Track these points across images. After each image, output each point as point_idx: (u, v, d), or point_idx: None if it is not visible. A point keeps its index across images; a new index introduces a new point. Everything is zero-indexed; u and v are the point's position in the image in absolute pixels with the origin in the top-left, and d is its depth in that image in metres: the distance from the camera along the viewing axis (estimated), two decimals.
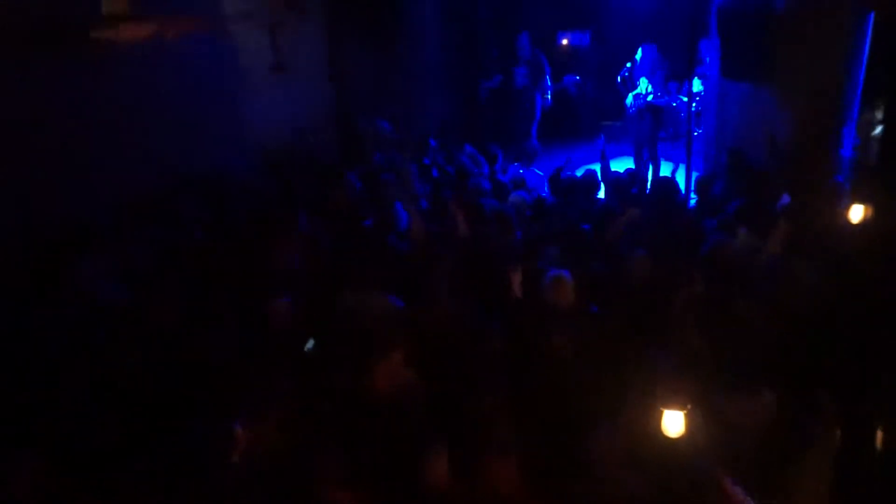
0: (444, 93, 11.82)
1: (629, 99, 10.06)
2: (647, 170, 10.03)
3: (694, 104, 9.52)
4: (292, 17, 9.11)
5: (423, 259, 5.14)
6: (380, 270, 4.88)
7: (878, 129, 8.26)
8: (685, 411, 3.58)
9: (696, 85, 11.24)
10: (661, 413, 3.60)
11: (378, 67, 10.28)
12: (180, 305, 4.56)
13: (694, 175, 8.21)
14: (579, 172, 8.32)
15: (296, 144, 8.83)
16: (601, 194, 7.79)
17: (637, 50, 10.04)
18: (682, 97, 11.41)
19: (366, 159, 8.72)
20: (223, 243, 5.70)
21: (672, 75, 10.36)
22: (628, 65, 9.99)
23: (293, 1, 9.04)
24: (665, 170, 9.74)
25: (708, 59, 9.88)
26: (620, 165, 9.69)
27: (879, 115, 8.22)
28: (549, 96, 11.39)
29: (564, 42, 13.54)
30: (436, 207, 6.90)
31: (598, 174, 7.79)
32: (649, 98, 9.92)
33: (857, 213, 5.62)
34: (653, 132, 10.06)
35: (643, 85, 9.94)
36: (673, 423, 3.58)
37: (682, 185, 7.78)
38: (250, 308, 4.59)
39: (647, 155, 10.04)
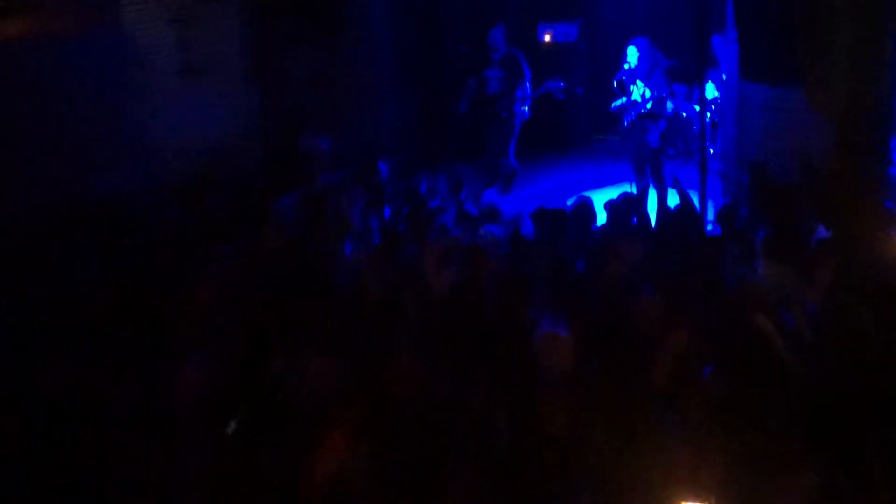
0: (400, 100, 11.83)
1: (616, 104, 10.08)
2: (650, 194, 10.02)
3: (708, 113, 9.55)
4: (207, 7, 9.08)
5: (379, 310, 5.14)
6: (322, 324, 4.86)
7: None
8: None
9: (710, 90, 11.40)
10: None
11: (316, 69, 10.25)
12: (61, 372, 4.39)
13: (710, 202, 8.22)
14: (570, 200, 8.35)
15: (212, 165, 8.77)
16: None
17: (628, 47, 10.06)
18: (692, 105, 11.54)
19: (301, 184, 8.66)
20: (118, 290, 5.59)
21: (679, 78, 10.43)
22: (626, 65, 10.00)
23: None
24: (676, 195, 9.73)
25: (723, 59, 10.00)
26: (616, 191, 9.64)
27: None
28: (529, 106, 11.41)
29: (547, 38, 13.62)
30: (390, 244, 6.92)
31: (592, 201, 7.85)
32: (648, 105, 9.95)
33: None
34: (656, 148, 10.08)
35: (639, 89, 9.97)
36: None
37: (698, 211, 7.85)
38: (151, 374, 4.50)
39: (650, 176, 10.04)
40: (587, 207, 7.69)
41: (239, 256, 6.16)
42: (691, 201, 7.95)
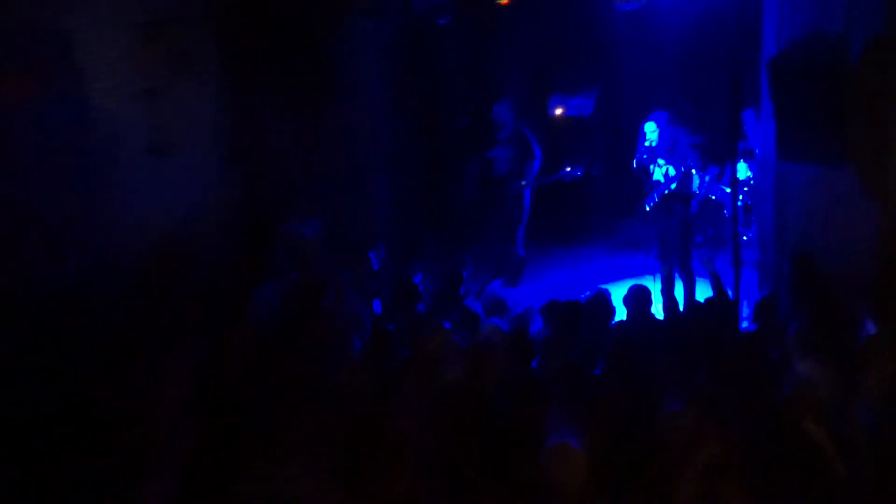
0: (394, 180, 11.89)
1: (646, 174, 10.11)
2: (675, 287, 10.10)
3: (741, 196, 9.56)
4: (179, 77, 9.14)
5: (365, 424, 5.07)
6: (306, 434, 4.85)
7: None
8: None
9: (742, 170, 11.44)
10: None
11: (300, 146, 10.35)
12: None
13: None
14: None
15: (180, 251, 8.66)
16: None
17: (646, 123, 10.15)
18: (723, 186, 11.56)
19: (284, 274, 8.74)
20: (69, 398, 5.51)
21: (708, 156, 10.45)
22: (647, 142, 10.07)
23: (177, 56, 9.08)
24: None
25: (755, 135, 10.04)
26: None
27: None
28: (538, 189, 11.45)
29: (559, 111, 13.77)
30: (380, 343, 6.98)
31: (610, 294, 7.89)
32: (672, 186, 9.98)
33: None
34: (683, 234, 10.07)
35: (661, 169, 10.02)
36: None
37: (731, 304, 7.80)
38: None
39: (676, 265, 10.01)
40: (604, 301, 7.75)
41: (204, 358, 6.04)
42: (725, 293, 7.92)
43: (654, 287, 9.30)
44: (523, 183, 11.35)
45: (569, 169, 12.07)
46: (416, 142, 12.31)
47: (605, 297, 7.78)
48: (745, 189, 11.11)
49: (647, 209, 10.25)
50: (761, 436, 5.02)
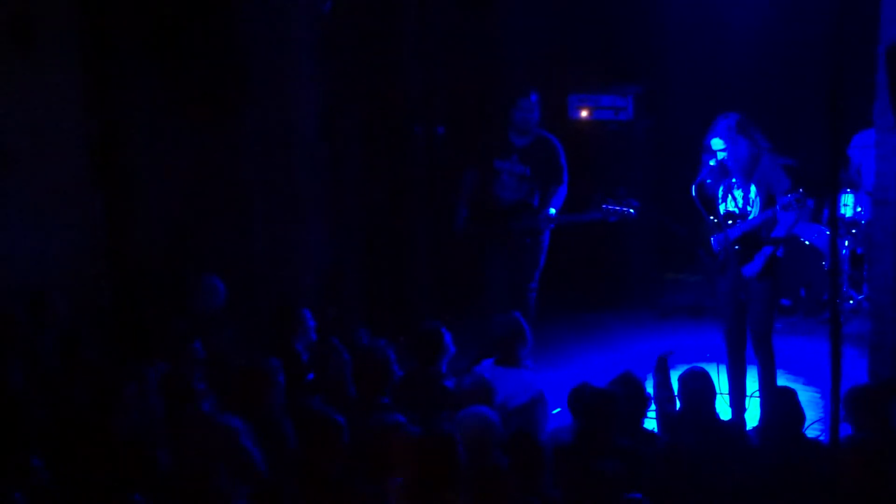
0: (339, 214, 11.86)
1: (711, 204, 9.91)
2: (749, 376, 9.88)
3: (847, 241, 9.42)
4: (33, 73, 9.37)
5: None
6: None
7: None
8: None
9: (848, 207, 11.31)
10: None
11: (201, 160, 10.38)
12: None
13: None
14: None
15: (32, 299, 8.79)
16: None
17: (711, 132, 9.98)
18: (821, 228, 11.43)
19: (181, 343, 8.69)
20: None
21: (797, 185, 10.31)
22: (712, 161, 9.87)
23: (20, 30, 9.25)
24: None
25: (867, 160, 9.93)
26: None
27: None
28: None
29: (584, 114, 13.60)
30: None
31: (643, 385, 7.96)
32: (749, 220, 9.78)
33: None
34: (765, 295, 9.85)
35: (733, 198, 9.81)
36: None
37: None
38: None
39: (753, 344, 9.79)
40: (638, 391, 7.86)
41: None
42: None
43: (718, 373, 9.26)
44: (551, 213, 11.15)
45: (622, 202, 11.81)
46: (372, 156, 12.35)
47: (638, 385, 7.89)
48: (853, 232, 10.98)
49: (713, 256, 10.03)
50: None
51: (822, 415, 9.06)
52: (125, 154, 10.08)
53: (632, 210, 11.03)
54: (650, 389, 8.23)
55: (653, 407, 8.18)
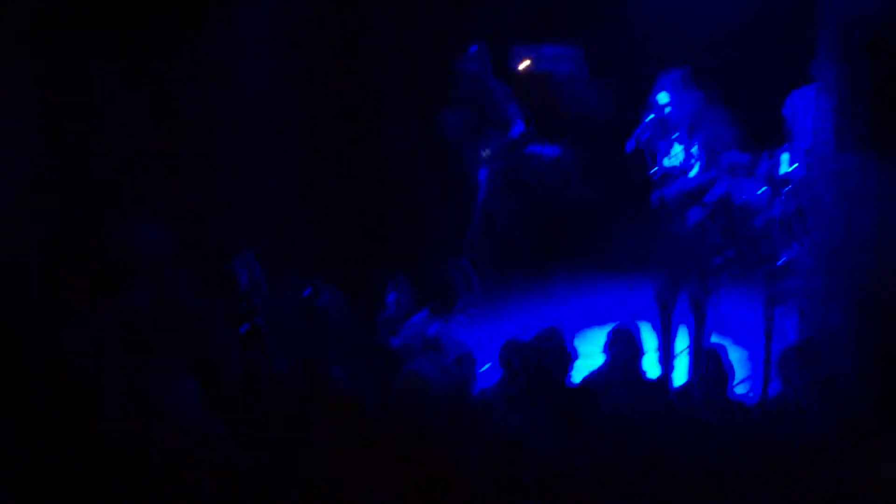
0: (281, 160, 11.81)
1: (650, 159, 9.96)
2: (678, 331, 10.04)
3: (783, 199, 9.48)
4: None
5: None
6: None
7: None
8: None
9: (784, 162, 11.36)
10: None
11: (138, 110, 10.26)
12: None
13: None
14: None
15: None
16: None
17: (656, 85, 9.99)
18: (758, 183, 11.48)
19: (112, 293, 8.55)
20: None
21: (736, 142, 10.37)
22: (650, 116, 9.91)
23: None
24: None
25: (802, 114, 9.98)
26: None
27: None
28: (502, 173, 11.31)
29: (525, 64, 13.55)
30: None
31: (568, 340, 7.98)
32: (691, 176, 9.83)
33: None
34: (700, 253, 9.93)
35: (676, 153, 9.85)
36: None
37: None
38: None
39: (686, 300, 9.88)
40: (562, 344, 7.84)
41: None
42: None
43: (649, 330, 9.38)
44: (486, 153, 11.19)
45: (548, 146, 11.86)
46: (319, 102, 12.24)
47: (560, 338, 7.88)
48: (787, 189, 11.08)
49: (652, 210, 10.07)
50: None
51: (749, 373, 9.11)
52: (58, 99, 9.93)
53: (558, 150, 11.22)
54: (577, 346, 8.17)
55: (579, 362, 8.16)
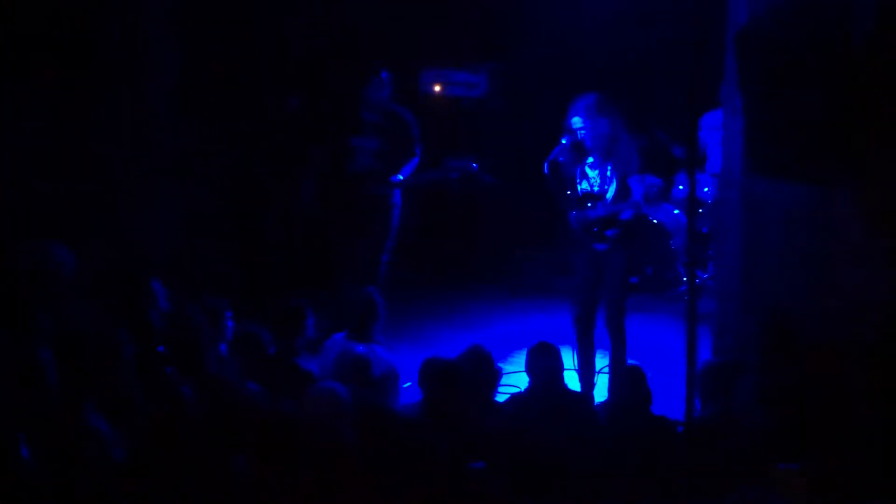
0: (190, 183, 11.63)
1: (568, 183, 9.98)
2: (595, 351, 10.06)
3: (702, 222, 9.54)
4: None
5: None
6: None
7: None
8: None
9: (697, 186, 11.47)
10: None
11: (43, 130, 10.08)
12: None
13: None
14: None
15: None
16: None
17: (570, 110, 10.03)
18: (670, 207, 11.54)
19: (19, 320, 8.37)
20: None
21: (650, 165, 10.42)
22: (563, 140, 9.94)
23: None
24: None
25: (713, 139, 10.04)
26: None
27: None
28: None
29: (437, 89, 13.68)
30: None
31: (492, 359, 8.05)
32: (606, 200, 9.87)
33: None
34: (620, 274, 9.95)
35: (592, 178, 9.90)
36: None
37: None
38: None
39: (605, 322, 9.93)
40: (486, 362, 7.94)
41: None
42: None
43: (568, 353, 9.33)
44: (399, 178, 11.19)
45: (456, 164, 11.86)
46: (228, 127, 12.20)
47: (487, 358, 7.98)
48: (700, 212, 11.14)
49: (574, 234, 10.08)
50: None
51: (663, 392, 9.15)
52: None
53: (474, 165, 11.19)
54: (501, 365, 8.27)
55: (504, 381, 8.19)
